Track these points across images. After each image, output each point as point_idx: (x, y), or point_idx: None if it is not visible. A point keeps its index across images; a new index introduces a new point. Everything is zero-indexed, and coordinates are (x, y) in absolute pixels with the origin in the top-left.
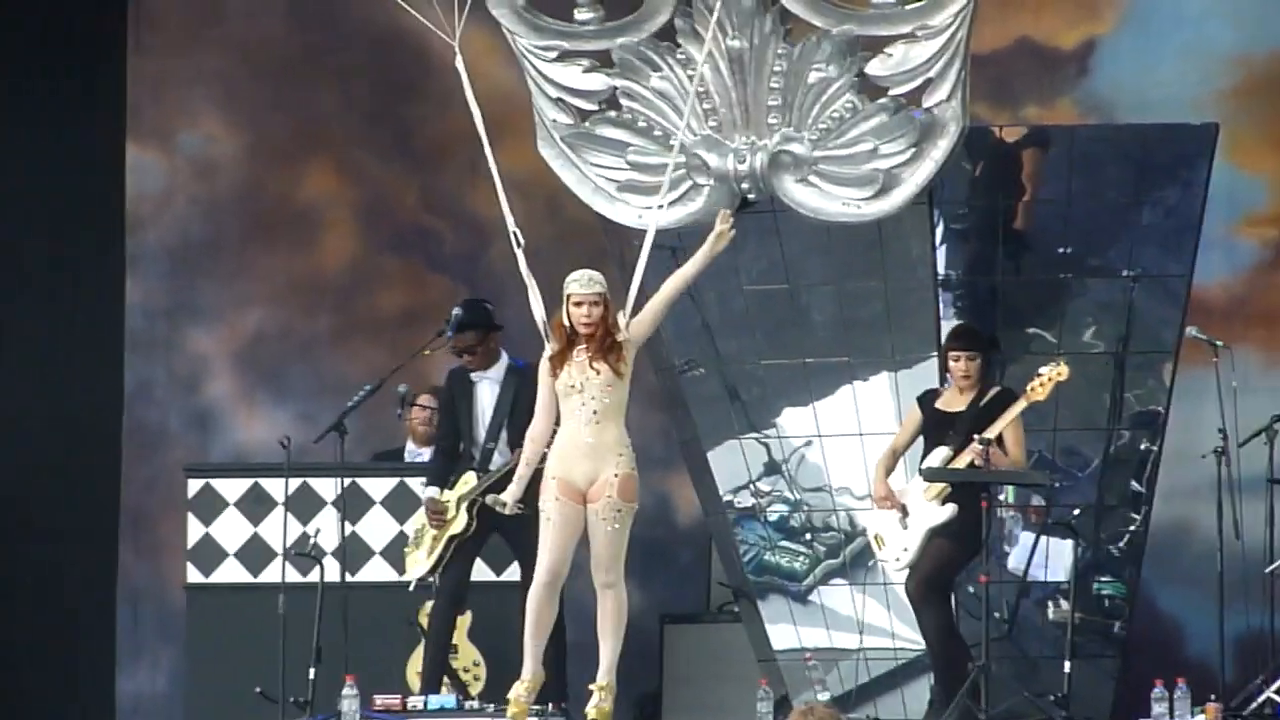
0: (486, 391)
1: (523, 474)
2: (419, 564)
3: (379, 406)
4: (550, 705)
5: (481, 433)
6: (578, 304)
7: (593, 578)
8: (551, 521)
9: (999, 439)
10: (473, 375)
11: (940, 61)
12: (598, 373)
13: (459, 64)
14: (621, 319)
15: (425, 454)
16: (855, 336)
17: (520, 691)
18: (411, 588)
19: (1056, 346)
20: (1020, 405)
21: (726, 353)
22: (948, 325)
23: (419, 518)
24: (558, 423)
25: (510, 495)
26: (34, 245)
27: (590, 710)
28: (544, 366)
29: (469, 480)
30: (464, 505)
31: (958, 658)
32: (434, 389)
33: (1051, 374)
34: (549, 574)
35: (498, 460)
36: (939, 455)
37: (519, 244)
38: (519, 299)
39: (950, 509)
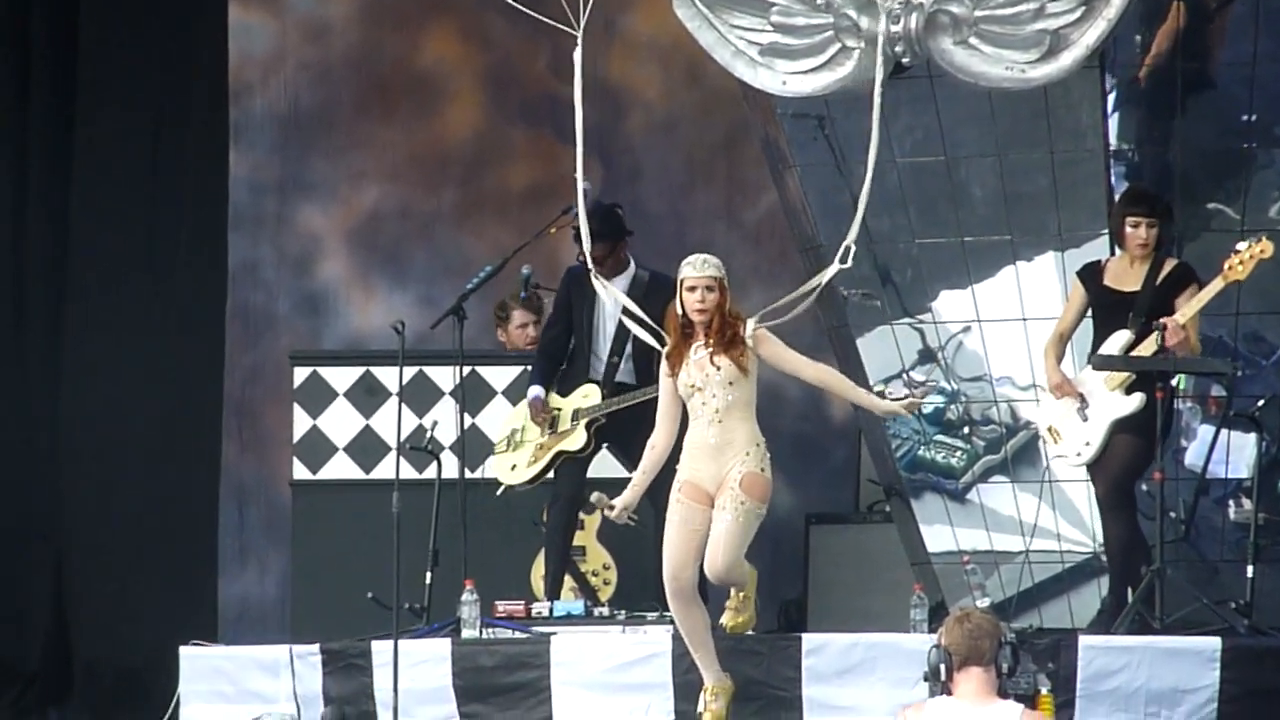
0: (610, 301)
1: (639, 482)
2: (516, 471)
3: (504, 290)
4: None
5: (603, 345)
6: (691, 288)
7: (707, 573)
8: (672, 522)
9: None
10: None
11: None
12: (718, 369)
13: (576, 57)
14: (749, 324)
15: None
16: (1018, 213)
17: (705, 702)
18: (500, 493)
19: (1240, 223)
20: (1218, 285)
21: (878, 231)
22: None
23: (517, 416)
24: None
25: (622, 501)
26: (132, 115)
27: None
28: (662, 368)
29: (590, 394)
30: (583, 421)
31: (1139, 567)
32: (526, 300)
33: (1254, 250)
34: (671, 580)
35: (623, 376)
36: (1119, 340)
37: (585, 193)
38: (656, 175)
39: (1138, 398)
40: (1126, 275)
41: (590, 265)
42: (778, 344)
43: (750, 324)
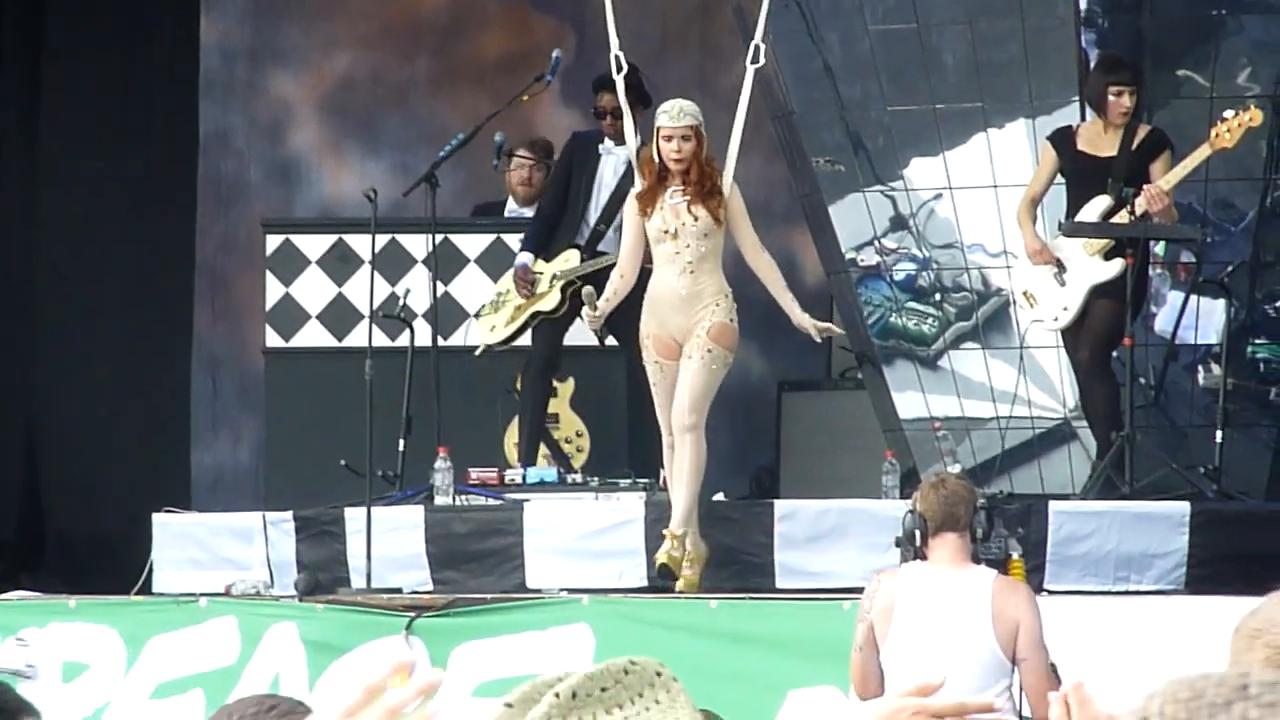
0: (610, 169)
1: (609, 298)
2: (494, 331)
3: (477, 157)
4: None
5: (594, 211)
6: (667, 138)
7: (672, 421)
8: (656, 386)
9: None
10: (601, 148)
11: None
12: (695, 219)
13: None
14: (726, 177)
15: (527, 213)
16: (989, 80)
17: (669, 544)
18: (478, 353)
19: (1208, 90)
20: (1204, 151)
21: (849, 98)
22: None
23: (505, 281)
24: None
25: (601, 303)
26: None
27: (660, 556)
28: (630, 205)
29: (570, 258)
30: (559, 283)
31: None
32: (532, 142)
33: (1242, 118)
34: (670, 434)
35: (606, 244)
36: (1098, 206)
37: (620, 69)
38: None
39: (1118, 263)
40: (1100, 141)
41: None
42: (742, 211)
43: (729, 175)
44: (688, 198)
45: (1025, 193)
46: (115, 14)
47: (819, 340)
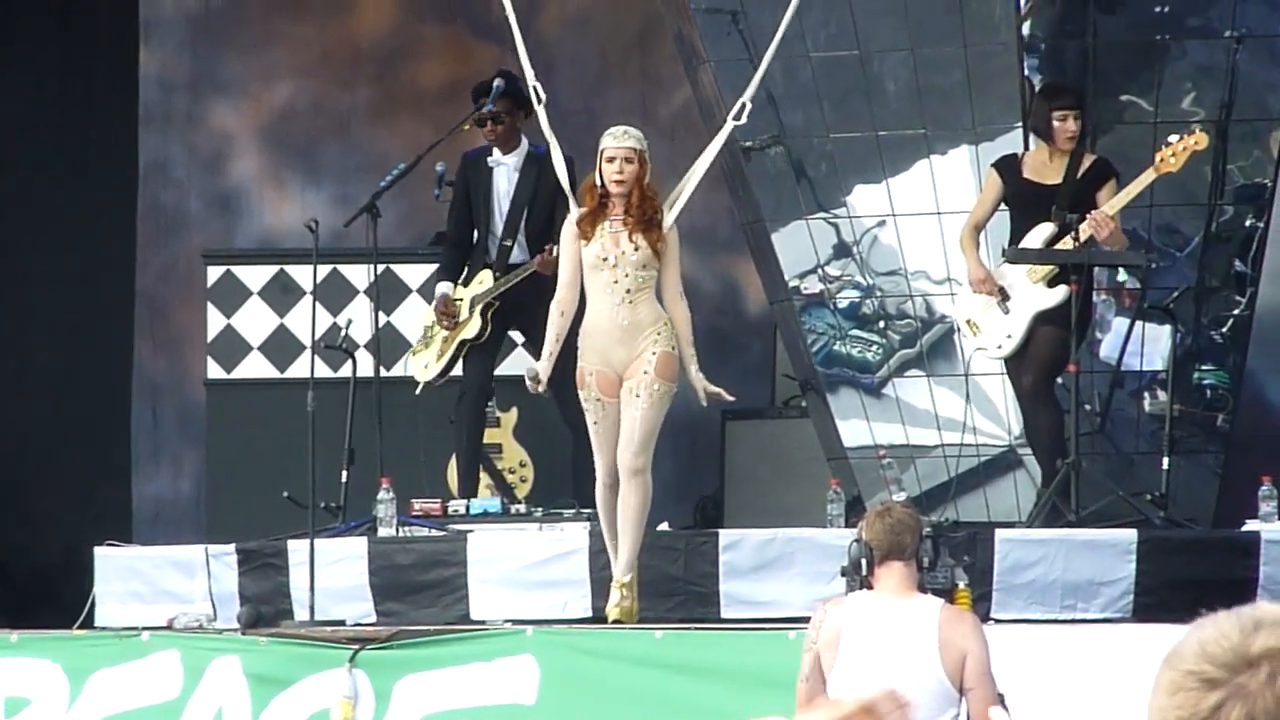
0: (504, 179)
1: (552, 350)
2: (429, 368)
3: (420, 187)
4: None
5: (499, 225)
6: (610, 159)
7: (618, 461)
8: (598, 425)
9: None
10: (489, 161)
11: None
12: (636, 248)
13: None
14: (668, 215)
15: None
16: (932, 106)
17: (619, 595)
18: (418, 391)
19: (1153, 114)
20: (1149, 176)
21: (792, 126)
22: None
23: (429, 314)
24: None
25: (542, 371)
26: (41, 15)
27: (612, 610)
28: (568, 230)
29: (484, 280)
30: (478, 307)
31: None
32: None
33: (1187, 142)
34: (609, 475)
35: (517, 257)
36: (1042, 233)
37: (539, 99)
38: (569, 71)
39: (1062, 290)
40: (1046, 169)
41: (539, 108)
42: (676, 254)
43: (670, 216)
44: (626, 227)
45: (968, 219)
46: (54, 44)
47: (704, 404)
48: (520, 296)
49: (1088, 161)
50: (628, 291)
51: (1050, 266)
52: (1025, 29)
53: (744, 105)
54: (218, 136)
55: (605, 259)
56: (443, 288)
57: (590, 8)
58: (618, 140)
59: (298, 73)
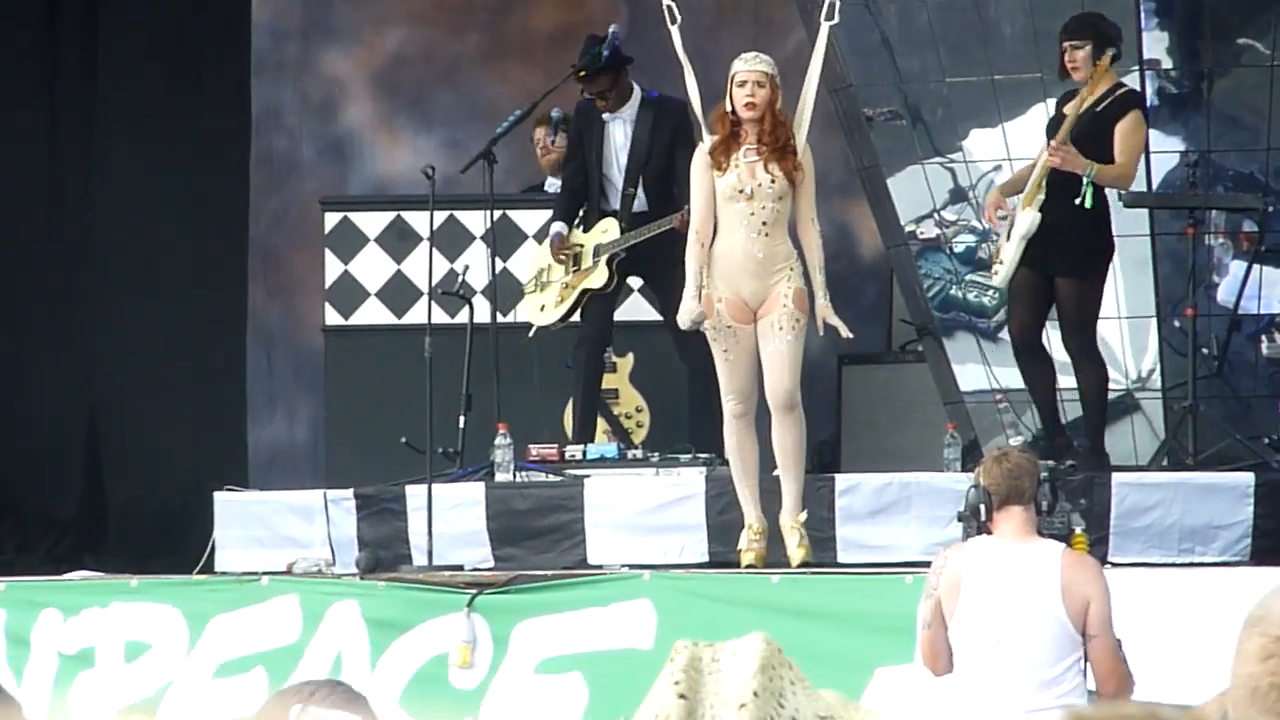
0: (619, 132)
1: (699, 284)
2: (545, 311)
3: (532, 134)
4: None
5: (617, 176)
6: (741, 83)
7: (770, 401)
8: (729, 352)
9: (1111, 146)
10: (605, 115)
11: None
12: (773, 180)
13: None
14: (799, 136)
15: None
16: (1048, 50)
17: (749, 541)
18: (531, 334)
19: (1269, 58)
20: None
21: (908, 71)
22: (1150, 36)
23: (543, 256)
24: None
25: (689, 313)
26: None
27: (797, 552)
28: (701, 160)
29: (608, 228)
30: (603, 257)
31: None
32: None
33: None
34: (741, 404)
35: (639, 205)
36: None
37: (674, 20)
38: (682, 14)
39: (1030, 215)
40: (1082, 103)
41: (674, 28)
42: (811, 176)
43: (800, 136)
44: (761, 157)
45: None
46: None
47: (820, 334)
48: (647, 252)
49: (1117, 92)
50: (764, 224)
51: (1039, 189)
52: None
53: (833, 4)
54: (329, 83)
55: (742, 190)
56: (558, 227)
57: None
58: (748, 64)
59: (409, 19)
